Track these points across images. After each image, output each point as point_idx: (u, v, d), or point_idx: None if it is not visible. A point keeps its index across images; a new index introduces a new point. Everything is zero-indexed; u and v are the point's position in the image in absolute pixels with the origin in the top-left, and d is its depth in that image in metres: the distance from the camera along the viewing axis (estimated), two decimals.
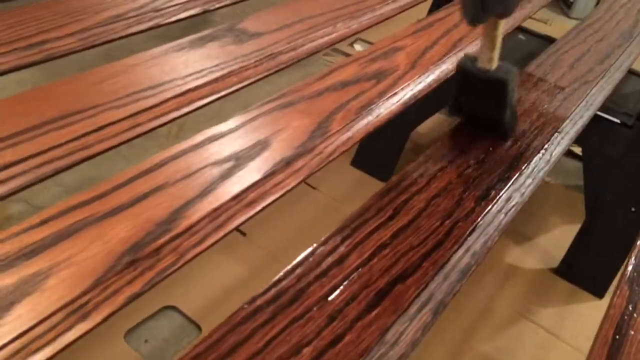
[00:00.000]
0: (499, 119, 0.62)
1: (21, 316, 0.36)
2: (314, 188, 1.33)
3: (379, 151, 1.37)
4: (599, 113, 1.11)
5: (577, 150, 1.59)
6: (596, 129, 1.15)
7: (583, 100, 0.75)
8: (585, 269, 1.20)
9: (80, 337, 0.37)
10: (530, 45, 1.30)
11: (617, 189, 1.13)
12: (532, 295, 1.17)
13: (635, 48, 0.97)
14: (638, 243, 0.54)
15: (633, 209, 1.12)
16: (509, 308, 1.13)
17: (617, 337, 0.43)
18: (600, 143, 1.17)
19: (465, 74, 0.62)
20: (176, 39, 0.69)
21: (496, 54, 0.60)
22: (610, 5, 1.13)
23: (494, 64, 0.60)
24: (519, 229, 1.34)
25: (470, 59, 0.62)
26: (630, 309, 0.45)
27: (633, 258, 0.50)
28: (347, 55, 1.69)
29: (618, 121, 1.11)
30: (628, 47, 0.95)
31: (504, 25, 0.58)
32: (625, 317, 0.44)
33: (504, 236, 1.29)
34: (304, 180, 0.54)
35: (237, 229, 0.48)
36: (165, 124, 0.57)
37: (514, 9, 0.54)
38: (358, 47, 1.91)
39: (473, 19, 0.54)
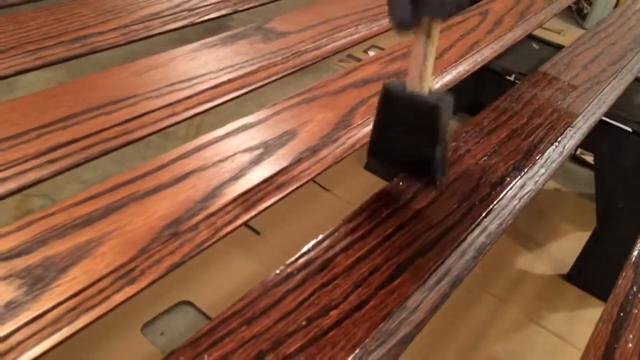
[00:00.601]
0: (427, 158, 0.48)
1: (76, 278, 0.39)
2: (327, 190, 1.36)
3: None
4: (610, 121, 1.13)
5: (589, 158, 1.60)
6: (608, 137, 1.17)
7: (595, 98, 0.78)
8: (595, 275, 1.20)
9: (128, 299, 0.40)
10: (542, 54, 1.32)
11: (628, 197, 1.14)
12: (542, 300, 1.19)
13: None
14: None
15: None
16: (519, 312, 1.15)
17: (622, 314, 0.45)
18: (612, 151, 1.18)
19: (391, 98, 0.50)
20: (193, 42, 0.73)
21: (428, 73, 0.47)
22: (622, 12, 1.15)
23: (426, 86, 0.48)
24: (530, 234, 1.35)
25: (401, 82, 0.50)
26: (635, 289, 0.48)
27: (639, 244, 0.52)
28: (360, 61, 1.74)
29: (630, 129, 1.13)
30: None
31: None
32: (630, 297, 0.47)
33: (515, 241, 1.32)
34: (329, 168, 0.58)
35: (286, 196, 0.51)
36: (199, 113, 0.61)
37: (452, 7, 0.43)
38: (372, 53, 1.95)
39: (401, 23, 0.43)
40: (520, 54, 1.29)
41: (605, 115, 1.12)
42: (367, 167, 1.46)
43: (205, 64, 0.67)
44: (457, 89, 0.86)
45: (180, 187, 0.50)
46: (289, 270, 0.43)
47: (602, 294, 1.20)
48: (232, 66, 0.68)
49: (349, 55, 1.94)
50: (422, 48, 0.46)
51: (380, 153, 0.53)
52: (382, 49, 1.90)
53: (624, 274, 0.49)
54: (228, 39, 0.74)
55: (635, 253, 0.51)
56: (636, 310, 0.45)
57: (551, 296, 1.20)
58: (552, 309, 1.17)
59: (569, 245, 1.32)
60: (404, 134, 0.49)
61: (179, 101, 0.59)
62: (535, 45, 1.36)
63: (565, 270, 1.25)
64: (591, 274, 1.21)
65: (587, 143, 1.29)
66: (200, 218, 0.47)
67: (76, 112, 0.54)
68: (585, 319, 1.16)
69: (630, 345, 0.42)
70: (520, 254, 1.30)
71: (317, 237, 0.46)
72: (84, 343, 0.94)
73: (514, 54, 1.28)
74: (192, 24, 0.76)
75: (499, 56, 1.06)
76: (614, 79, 0.86)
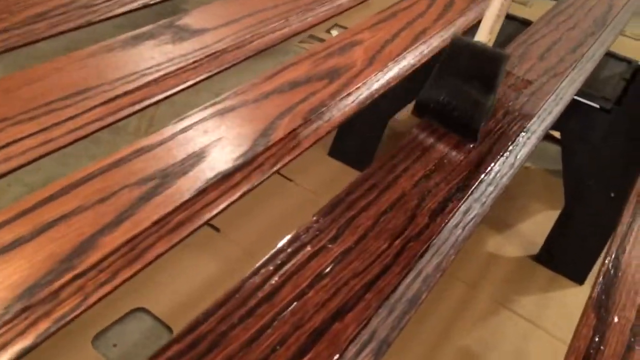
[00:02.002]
0: (478, 106, 0.57)
1: None
2: (290, 180, 1.29)
3: (356, 141, 1.33)
4: (577, 98, 1.07)
5: (558, 134, 1.56)
6: (575, 114, 1.12)
7: (552, 94, 0.70)
8: (565, 255, 1.18)
9: None
10: (509, 30, 1.25)
11: (596, 174, 1.11)
12: (513, 284, 1.15)
13: (609, 35, 0.92)
14: (618, 230, 0.49)
15: (612, 194, 1.10)
16: (489, 298, 1.11)
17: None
18: (579, 128, 1.14)
19: (457, 49, 0.59)
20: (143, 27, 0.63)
21: (497, 28, 0.58)
22: None
23: (493, 38, 0.58)
24: (500, 215, 1.31)
25: (466, 38, 0.60)
26: (597, 339, 0.41)
27: (598, 286, 0.45)
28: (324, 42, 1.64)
29: (597, 106, 1.08)
30: (601, 35, 0.90)
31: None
32: (591, 351, 0.40)
33: (484, 224, 1.27)
34: (241, 197, 0.49)
35: (182, 240, 0.43)
36: (85, 136, 0.51)
37: None
38: (335, 33, 1.85)
39: None
40: None
41: None
42: (332, 154, 1.38)
43: (99, 74, 0.57)
44: (421, 72, 0.79)
45: (44, 239, 0.40)
46: (168, 354, 0.34)
47: (572, 274, 1.18)
48: (133, 74, 0.58)
49: (311, 36, 1.83)
50: (497, 4, 0.56)
51: (428, 111, 0.60)
52: (345, 27, 1.80)
53: (584, 319, 0.41)
54: (131, 40, 0.63)
55: (597, 290, 0.44)
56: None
57: (521, 279, 1.17)
58: (522, 293, 1.14)
59: (539, 225, 1.29)
60: (464, 82, 0.58)
61: (57, 124, 0.49)
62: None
63: (536, 251, 1.21)
64: (561, 254, 1.19)
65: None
66: (64, 282, 0.38)
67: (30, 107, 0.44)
68: (555, 301, 1.14)
69: None
70: (490, 236, 1.26)
71: (206, 308, 0.37)
72: None
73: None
74: (90, 24, 0.65)
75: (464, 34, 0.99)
76: (573, 70, 0.78)
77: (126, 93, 0.55)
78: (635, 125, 1.08)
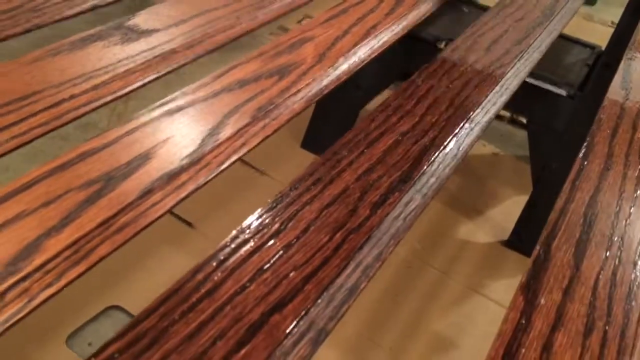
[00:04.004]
0: None
1: None
2: (262, 173, 1.29)
3: (329, 132, 1.35)
4: (541, 85, 1.10)
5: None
6: (539, 100, 1.15)
7: (497, 85, 0.73)
8: (533, 239, 1.20)
9: None
10: (473, 17, 1.28)
11: (562, 158, 1.14)
12: (484, 269, 1.18)
13: (557, 25, 0.95)
14: (550, 217, 0.52)
15: None
16: (461, 284, 1.14)
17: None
18: (544, 114, 1.17)
19: None
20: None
21: None
22: None
23: None
24: (470, 202, 1.34)
25: None
26: (524, 322, 0.43)
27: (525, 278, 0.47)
28: None
29: (560, 92, 1.11)
30: (548, 25, 0.92)
31: None
32: (518, 334, 0.42)
33: (455, 211, 1.30)
34: (187, 197, 0.50)
35: (127, 241, 0.43)
36: (31, 141, 0.51)
37: None
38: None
39: None
40: (450, 20, 1.24)
41: (536, 78, 1.10)
42: (305, 146, 1.40)
43: (44, 78, 0.57)
44: (387, 59, 0.80)
45: None
46: (109, 351, 0.35)
47: None
48: (80, 77, 0.58)
49: (280, 27, 1.84)
50: None
51: None
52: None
53: (512, 304, 0.44)
54: (78, 42, 0.64)
55: (526, 276, 0.46)
56: (524, 351, 0.39)
57: (492, 264, 1.20)
58: (493, 277, 1.16)
59: (508, 210, 1.32)
60: None
61: (1, 129, 0.50)
62: (464, 9, 1.30)
63: (506, 236, 1.24)
64: (530, 239, 1.21)
65: (519, 108, 1.27)
66: (9, 285, 0.38)
67: None
68: None
69: None
70: (461, 222, 1.28)
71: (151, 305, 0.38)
72: None
73: (443, 20, 1.23)
74: (38, 27, 0.65)
75: (427, 22, 1.00)
76: (519, 60, 0.81)
77: (72, 97, 0.55)
78: (598, 110, 1.11)
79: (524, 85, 1.09)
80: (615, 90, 0.74)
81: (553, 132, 1.16)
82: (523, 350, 0.39)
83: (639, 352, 0.42)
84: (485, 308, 1.10)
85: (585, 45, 1.31)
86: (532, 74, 1.10)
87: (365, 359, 0.96)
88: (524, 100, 1.17)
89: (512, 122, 1.64)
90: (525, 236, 1.21)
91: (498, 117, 1.62)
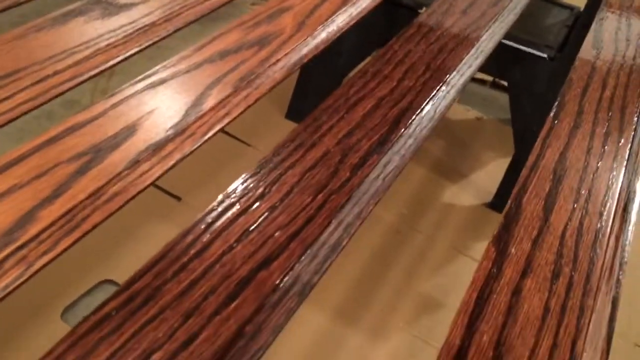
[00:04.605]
0: None
1: None
2: (248, 145, 1.31)
3: (312, 102, 1.35)
4: (521, 47, 1.12)
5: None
6: (519, 63, 1.16)
7: (472, 48, 0.74)
8: None
9: None
10: None
11: (543, 120, 1.16)
12: (468, 231, 1.21)
13: None
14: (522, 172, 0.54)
15: None
16: (447, 246, 1.17)
17: (479, 302, 0.43)
18: (524, 77, 1.19)
19: None
20: None
21: None
22: None
23: None
24: (454, 166, 1.37)
25: None
26: (495, 270, 0.46)
27: (503, 220, 0.50)
28: None
29: (540, 54, 1.12)
30: None
31: None
32: (490, 280, 0.45)
33: (440, 175, 1.33)
34: (174, 166, 0.52)
35: (118, 210, 0.45)
36: (18, 117, 0.53)
37: None
38: None
39: None
40: None
41: (515, 41, 1.11)
42: (289, 117, 1.41)
43: (28, 55, 0.58)
44: (368, 26, 0.81)
45: None
46: (105, 310, 0.37)
47: None
48: (63, 52, 0.60)
49: None
50: None
51: None
52: None
53: (485, 254, 0.46)
54: (60, 18, 0.64)
55: (499, 227, 0.49)
56: (495, 296, 0.42)
57: (477, 226, 1.23)
58: (478, 239, 1.19)
59: (491, 173, 1.35)
60: None
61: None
62: None
63: (489, 198, 1.28)
64: None
65: (499, 72, 1.29)
66: (7, 253, 0.41)
67: None
68: None
69: (485, 339, 0.40)
70: (446, 187, 1.31)
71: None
72: None
73: None
74: (18, 4, 0.65)
75: None
76: (494, 23, 0.82)
77: (56, 72, 0.57)
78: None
79: (504, 48, 1.11)
80: (586, 50, 0.76)
81: (534, 95, 1.17)
82: (494, 296, 0.42)
83: (602, 294, 0.45)
84: (470, 268, 1.13)
85: (564, 6, 1.32)
86: (511, 37, 1.12)
87: (356, 320, 0.99)
88: (505, 63, 1.19)
89: (495, 86, 1.66)
90: (507, 198, 1.25)
91: (480, 81, 1.64)
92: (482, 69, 0.76)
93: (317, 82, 1.29)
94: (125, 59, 0.62)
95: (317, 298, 0.98)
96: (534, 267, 0.45)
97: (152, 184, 0.50)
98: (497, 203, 1.26)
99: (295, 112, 1.37)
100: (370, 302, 1.03)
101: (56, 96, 0.55)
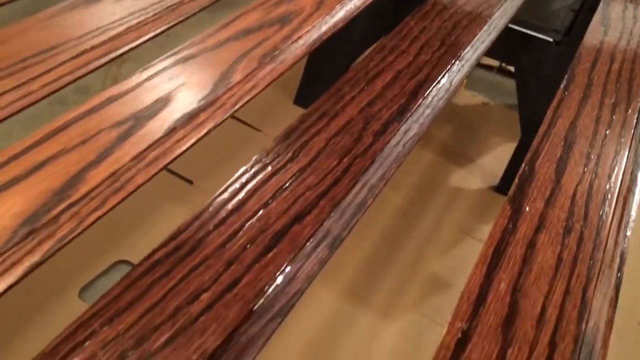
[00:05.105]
0: None
1: None
2: (258, 130, 1.33)
3: (320, 88, 1.37)
4: (528, 32, 1.14)
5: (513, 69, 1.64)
6: (526, 47, 1.18)
7: (485, 24, 0.77)
8: None
9: None
10: None
11: (547, 103, 1.18)
12: (475, 214, 1.23)
13: None
14: (534, 140, 0.57)
15: None
16: (454, 228, 1.19)
17: (496, 254, 0.47)
18: (531, 61, 1.21)
19: None
20: None
21: None
22: None
23: None
24: (461, 151, 1.39)
25: None
26: (511, 226, 0.49)
27: (516, 181, 0.53)
28: None
29: (547, 38, 1.14)
30: None
31: None
32: (506, 235, 0.48)
33: (448, 160, 1.36)
34: (207, 134, 0.55)
35: (158, 172, 0.48)
36: (59, 89, 0.56)
37: None
38: None
39: None
40: None
41: (522, 25, 1.13)
42: (297, 102, 1.44)
43: (64, 32, 0.62)
44: (378, 12, 0.84)
45: (36, 177, 0.46)
46: (155, 257, 0.41)
47: None
48: (97, 29, 0.63)
49: None
50: None
51: None
52: None
53: (501, 212, 0.50)
54: None
55: (514, 187, 0.52)
56: (510, 248, 0.46)
57: (484, 209, 1.25)
58: (485, 221, 1.22)
59: (498, 157, 1.37)
60: None
61: (33, 79, 0.54)
62: None
63: (496, 182, 1.30)
64: None
65: (507, 56, 1.31)
66: (61, 209, 0.44)
67: None
68: None
69: (502, 286, 0.43)
70: (453, 171, 1.33)
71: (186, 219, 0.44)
72: (19, 320, 0.91)
73: None
74: None
75: None
76: (506, 1, 0.85)
77: (92, 47, 0.60)
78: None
79: (512, 33, 1.13)
80: (595, 27, 0.79)
81: (540, 78, 1.19)
82: (510, 248, 0.46)
83: (611, 248, 0.48)
84: (477, 250, 1.16)
85: None
86: (518, 21, 1.14)
87: (366, 300, 1.02)
88: (512, 47, 1.21)
89: (501, 71, 1.68)
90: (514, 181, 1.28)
91: (487, 67, 1.67)
92: (490, 52, 0.79)
93: (325, 69, 1.31)
94: (156, 35, 0.65)
95: (328, 278, 1.02)
96: (547, 224, 0.49)
97: (187, 150, 0.53)
98: (503, 186, 1.28)
99: (304, 97, 1.39)
100: (379, 283, 1.05)
101: (93, 70, 0.58)
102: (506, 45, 1.20)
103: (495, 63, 1.65)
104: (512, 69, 1.62)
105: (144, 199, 1.09)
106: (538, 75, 1.21)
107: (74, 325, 0.36)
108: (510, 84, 1.62)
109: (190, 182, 1.18)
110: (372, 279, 1.06)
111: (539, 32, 1.16)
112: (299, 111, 1.42)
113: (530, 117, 1.23)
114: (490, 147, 1.42)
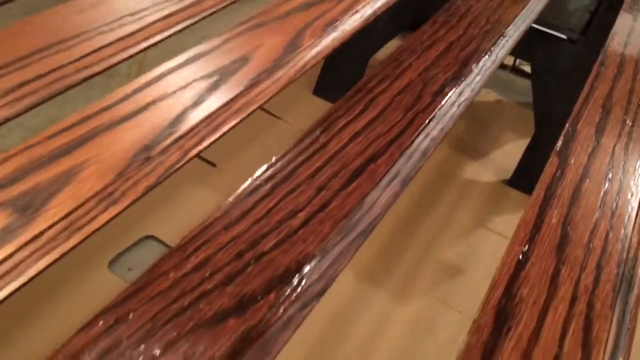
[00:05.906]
0: None
1: (63, 202, 0.43)
2: (278, 118, 1.39)
3: (339, 79, 1.40)
4: (545, 29, 1.20)
5: (527, 69, 1.69)
6: (543, 45, 1.24)
7: (525, 6, 0.83)
8: (534, 177, 1.28)
9: (112, 218, 0.44)
10: None
11: (564, 100, 1.23)
12: (488, 205, 1.28)
13: None
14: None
15: None
16: (467, 218, 1.23)
17: (547, 194, 0.53)
18: (547, 59, 1.26)
19: None
20: None
21: None
22: None
23: None
24: (475, 145, 1.44)
25: None
26: (559, 174, 0.55)
27: (562, 137, 0.59)
28: None
29: (564, 37, 1.19)
30: None
31: None
32: (555, 180, 0.54)
33: (461, 153, 1.41)
34: (284, 88, 0.62)
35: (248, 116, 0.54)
36: (151, 46, 0.62)
37: None
38: None
39: None
40: None
41: (540, 24, 1.19)
42: (317, 93, 1.49)
43: (99, 17, 0.67)
44: (400, 7, 0.90)
45: (146, 115, 0.53)
46: (257, 182, 0.47)
47: None
48: (129, 15, 0.68)
49: None
50: None
51: None
52: None
53: (550, 160, 0.56)
54: None
55: (560, 143, 0.58)
56: (559, 191, 0.52)
57: (496, 201, 1.29)
58: (497, 213, 1.26)
59: (510, 152, 1.41)
60: None
61: (130, 35, 0.61)
62: None
63: (508, 175, 1.34)
64: (531, 177, 1.30)
65: (524, 53, 1.37)
66: (170, 142, 0.51)
67: (33, 50, 0.55)
68: None
69: (554, 220, 0.49)
70: (467, 164, 1.38)
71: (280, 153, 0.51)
72: (50, 288, 0.96)
73: None
74: None
75: None
76: None
77: (129, 34, 0.65)
78: (599, 54, 1.21)
79: (529, 30, 1.18)
80: (626, 10, 0.85)
81: (556, 75, 1.24)
82: (559, 190, 0.52)
83: None
84: (488, 240, 1.19)
85: None
86: (537, 20, 1.19)
87: (381, 283, 1.06)
88: (529, 45, 1.26)
89: (515, 70, 1.73)
90: (526, 175, 1.30)
91: (501, 66, 1.72)
92: None
93: (344, 60, 1.34)
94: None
95: None
96: (590, 174, 0.55)
97: (268, 101, 0.59)
98: (515, 180, 1.32)
99: (323, 88, 1.42)
100: (394, 267, 1.09)
101: (176, 32, 0.65)
102: (523, 42, 1.25)
103: (509, 62, 1.70)
104: (525, 68, 1.68)
105: (170, 179, 1.15)
106: (554, 72, 1.25)
107: (196, 231, 0.42)
108: (523, 82, 1.67)
109: (214, 164, 1.24)
110: (387, 263, 1.09)
111: (556, 31, 1.21)
112: (318, 101, 1.48)
113: (545, 113, 1.27)
114: (503, 143, 1.46)
